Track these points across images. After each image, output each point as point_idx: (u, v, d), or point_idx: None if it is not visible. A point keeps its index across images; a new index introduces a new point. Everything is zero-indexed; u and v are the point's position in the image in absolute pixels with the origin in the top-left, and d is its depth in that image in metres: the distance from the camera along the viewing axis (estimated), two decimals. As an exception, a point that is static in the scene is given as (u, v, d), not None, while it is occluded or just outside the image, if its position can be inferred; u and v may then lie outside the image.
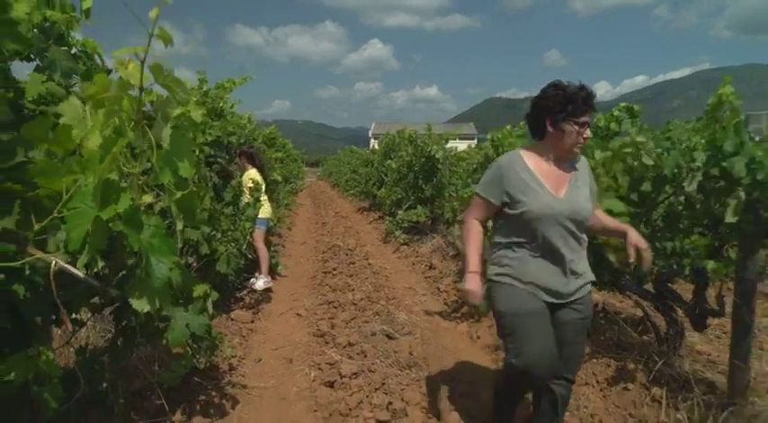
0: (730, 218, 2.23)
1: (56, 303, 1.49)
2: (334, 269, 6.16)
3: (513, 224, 2.06)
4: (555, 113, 1.96)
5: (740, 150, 2.25)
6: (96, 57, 1.77)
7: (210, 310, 2.23)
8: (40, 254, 0.86)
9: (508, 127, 5.01)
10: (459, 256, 6.05)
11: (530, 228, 2.00)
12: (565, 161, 2.07)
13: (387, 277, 5.84)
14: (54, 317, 1.59)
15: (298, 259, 7.11)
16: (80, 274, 0.79)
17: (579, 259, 2.06)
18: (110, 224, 0.73)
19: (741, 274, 2.38)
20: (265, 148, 7.53)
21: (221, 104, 4.58)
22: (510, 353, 2.05)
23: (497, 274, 2.09)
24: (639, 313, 3.45)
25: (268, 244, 5.27)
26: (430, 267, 6.22)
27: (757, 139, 2.40)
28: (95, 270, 1.69)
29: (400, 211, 8.04)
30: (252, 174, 4.72)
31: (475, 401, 2.85)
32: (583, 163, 2.15)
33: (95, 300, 2.00)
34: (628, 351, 3.10)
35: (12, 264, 1.05)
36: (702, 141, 2.43)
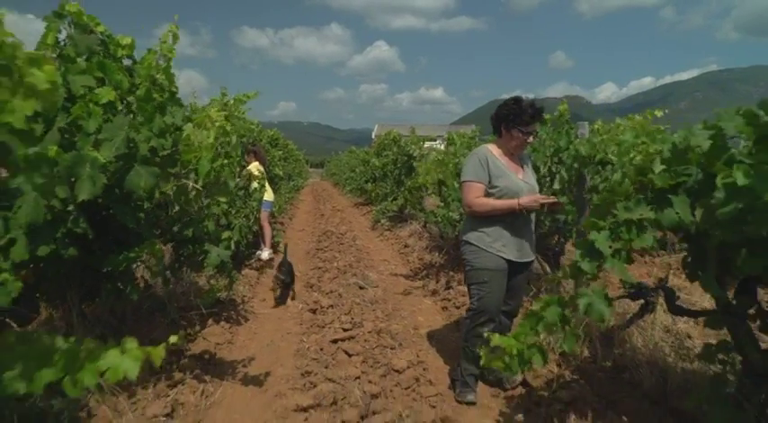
0: (557, 185, 3.51)
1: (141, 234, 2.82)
2: (326, 247, 7.47)
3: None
4: (508, 121, 2.54)
5: (569, 146, 3.55)
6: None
7: (233, 247, 3.53)
8: (185, 181, 2.13)
9: (461, 131, 6.31)
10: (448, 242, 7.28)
11: None
12: (516, 154, 2.67)
13: (368, 253, 7.15)
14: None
15: (296, 241, 8.41)
16: (198, 187, 2.02)
17: (532, 228, 2.70)
18: (214, 168, 2.01)
19: (576, 227, 3.67)
20: (269, 148, 8.86)
21: (236, 113, 5.94)
22: (474, 297, 2.63)
23: (476, 238, 2.61)
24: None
25: (272, 224, 6.60)
26: (405, 246, 7.51)
27: (581, 137, 3.67)
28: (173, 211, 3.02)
29: (385, 202, 9.35)
30: (256, 165, 6.04)
31: (411, 321, 4.15)
32: (525, 152, 2.79)
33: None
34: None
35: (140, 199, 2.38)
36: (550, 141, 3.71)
